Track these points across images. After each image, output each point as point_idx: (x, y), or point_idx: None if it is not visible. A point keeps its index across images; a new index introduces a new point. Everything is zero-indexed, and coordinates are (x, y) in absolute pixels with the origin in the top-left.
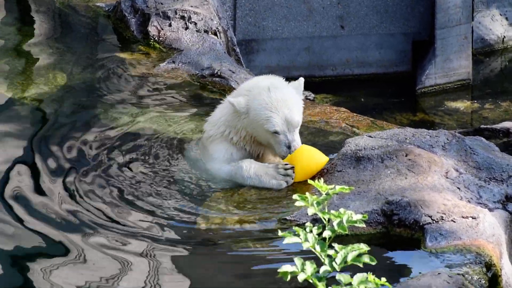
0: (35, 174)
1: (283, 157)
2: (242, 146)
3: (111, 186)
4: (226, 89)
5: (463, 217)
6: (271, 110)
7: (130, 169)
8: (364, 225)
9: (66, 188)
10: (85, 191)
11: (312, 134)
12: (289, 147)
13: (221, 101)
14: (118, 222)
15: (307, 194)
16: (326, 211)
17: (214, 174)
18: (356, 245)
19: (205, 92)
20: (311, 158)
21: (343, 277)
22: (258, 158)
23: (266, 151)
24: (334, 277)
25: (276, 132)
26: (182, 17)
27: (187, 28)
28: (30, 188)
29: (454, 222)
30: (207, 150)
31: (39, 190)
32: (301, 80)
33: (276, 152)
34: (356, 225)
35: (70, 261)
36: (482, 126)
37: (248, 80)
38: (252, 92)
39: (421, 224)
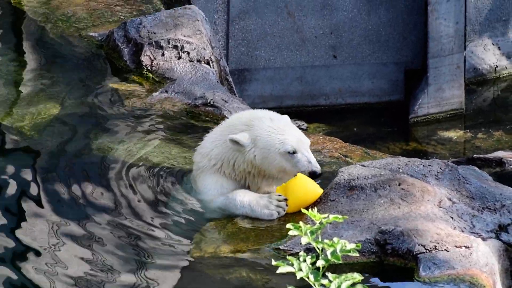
0: (26, 203)
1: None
2: (234, 177)
3: (103, 213)
4: (219, 118)
5: (456, 247)
6: (283, 133)
7: (123, 198)
8: (357, 254)
9: (58, 216)
10: (75, 217)
11: None
12: (310, 162)
13: (209, 131)
14: (109, 251)
15: (301, 223)
16: (320, 240)
17: (206, 206)
18: (349, 275)
19: (198, 122)
20: (306, 189)
21: None
22: (249, 189)
23: (263, 183)
24: None
25: (294, 152)
26: (175, 47)
27: (180, 57)
28: (20, 217)
29: (448, 251)
30: (197, 182)
31: (29, 218)
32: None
33: (299, 172)
34: (349, 254)
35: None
36: (475, 155)
37: (233, 116)
38: (253, 124)
39: (414, 253)
